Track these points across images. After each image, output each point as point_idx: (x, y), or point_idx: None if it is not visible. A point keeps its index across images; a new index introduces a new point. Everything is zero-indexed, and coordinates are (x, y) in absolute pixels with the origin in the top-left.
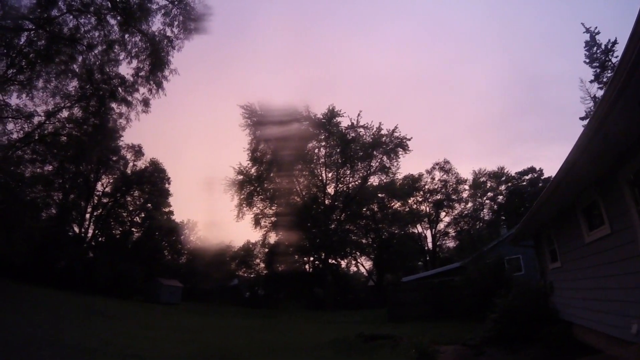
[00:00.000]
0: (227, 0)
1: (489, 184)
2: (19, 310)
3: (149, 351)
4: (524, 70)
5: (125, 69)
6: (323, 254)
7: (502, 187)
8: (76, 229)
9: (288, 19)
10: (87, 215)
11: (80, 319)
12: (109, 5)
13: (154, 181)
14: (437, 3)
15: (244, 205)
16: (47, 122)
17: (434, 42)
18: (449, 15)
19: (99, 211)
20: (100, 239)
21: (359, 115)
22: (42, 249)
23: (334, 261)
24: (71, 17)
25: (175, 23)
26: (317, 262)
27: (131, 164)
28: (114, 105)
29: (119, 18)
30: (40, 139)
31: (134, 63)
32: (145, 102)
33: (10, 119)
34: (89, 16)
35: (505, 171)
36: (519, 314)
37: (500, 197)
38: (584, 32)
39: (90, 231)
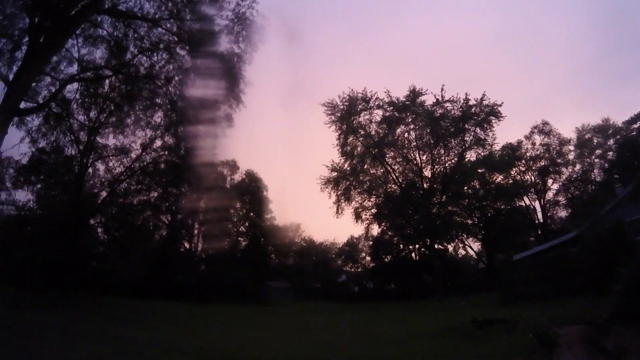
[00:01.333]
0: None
1: (595, 140)
2: (139, 322)
3: (258, 352)
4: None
5: (203, 91)
6: (428, 240)
7: (611, 142)
8: (187, 245)
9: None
10: (196, 232)
11: (191, 326)
12: (176, 39)
13: (252, 191)
14: None
15: (342, 201)
16: (144, 154)
17: None
18: None
19: (208, 227)
20: (210, 251)
21: (442, 89)
22: (158, 266)
23: (440, 246)
24: (145, 57)
25: (240, 39)
26: (423, 249)
27: (228, 178)
28: (199, 127)
29: (187, 48)
30: (142, 170)
31: (211, 84)
32: (228, 118)
33: (110, 157)
34: (160, 53)
35: (612, 122)
36: None
37: (610, 153)
38: None
39: (200, 246)
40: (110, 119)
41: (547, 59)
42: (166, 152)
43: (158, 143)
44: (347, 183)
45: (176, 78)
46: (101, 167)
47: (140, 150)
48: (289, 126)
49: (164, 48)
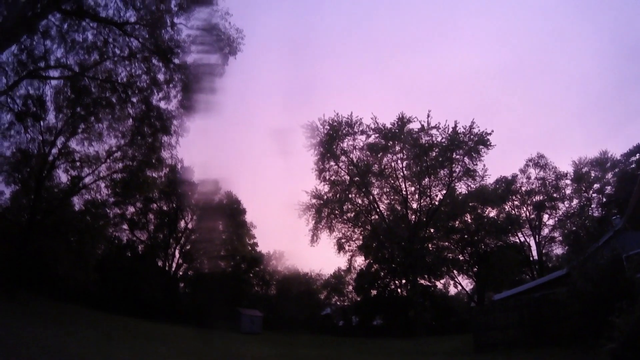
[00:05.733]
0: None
1: (593, 174)
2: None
3: None
4: (623, 39)
5: (173, 102)
6: (413, 276)
7: (609, 175)
8: (163, 264)
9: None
10: (176, 251)
11: (127, 342)
12: (152, 48)
13: (231, 214)
14: None
15: (319, 229)
16: (108, 160)
17: (518, 28)
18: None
19: (187, 247)
20: (188, 272)
21: (428, 116)
22: (130, 281)
23: (427, 282)
24: (120, 67)
25: (211, 51)
26: (409, 285)
27: (210, 198)
28: (166, 138)
29: (159, 58)
30: (111, 181)
31: (179, 96)
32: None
33: (83, 164)
34: (137, 62)
35: (610, 155)
36: None
37: (609, 187)
38: None
39: (176, 265)
40: (80, 124)
41: (553, 94)
42: (134, 163)
43: (124, 153)
44: (328, 211)
45: (149, 90)
46: (72, 172)
47: (105, 157)
48: (270, 147)
49: (141, 59)
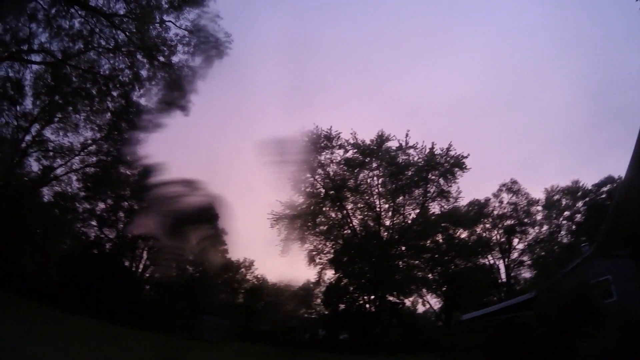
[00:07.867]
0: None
1: (564, 202)
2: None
3: None
4: (601, 75)
5: (154, 100)
6: (381, 292)
7: (580, 204)
8: (130, 264)
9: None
10: (144, 252)
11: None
12: (138, 43)
13: (211, 219)
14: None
15: (291, 240)
16: (82, 153)
17: (499, 59)
18: (511, 33)
19: (155, 249)
20: (155, 274)
21: (407, 135)
22: (94, 281)
23: (395, 299)
24: (104, 59)
25: (197, 52)
26: (378, 301)
27: (187, 199)
28: (143, 136)
29: (144, 54)
30: (86, 175)
31: (160, 94)
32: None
33: (56, 154)
34: (121, 56)
35: (581, 184)
36: None
37: (579, 215)
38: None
39: (143, 266)
40: (57, 113)
41: (530, 123)
42: (108, 158)
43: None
44: (301, 223)
45: (131, 85)
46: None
47: (80, 149)
48: (246, 151)
49: (126, 53)
